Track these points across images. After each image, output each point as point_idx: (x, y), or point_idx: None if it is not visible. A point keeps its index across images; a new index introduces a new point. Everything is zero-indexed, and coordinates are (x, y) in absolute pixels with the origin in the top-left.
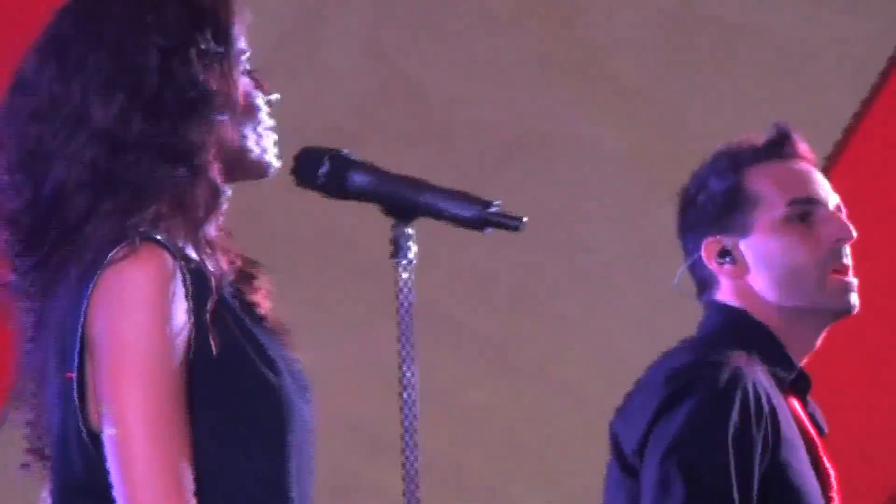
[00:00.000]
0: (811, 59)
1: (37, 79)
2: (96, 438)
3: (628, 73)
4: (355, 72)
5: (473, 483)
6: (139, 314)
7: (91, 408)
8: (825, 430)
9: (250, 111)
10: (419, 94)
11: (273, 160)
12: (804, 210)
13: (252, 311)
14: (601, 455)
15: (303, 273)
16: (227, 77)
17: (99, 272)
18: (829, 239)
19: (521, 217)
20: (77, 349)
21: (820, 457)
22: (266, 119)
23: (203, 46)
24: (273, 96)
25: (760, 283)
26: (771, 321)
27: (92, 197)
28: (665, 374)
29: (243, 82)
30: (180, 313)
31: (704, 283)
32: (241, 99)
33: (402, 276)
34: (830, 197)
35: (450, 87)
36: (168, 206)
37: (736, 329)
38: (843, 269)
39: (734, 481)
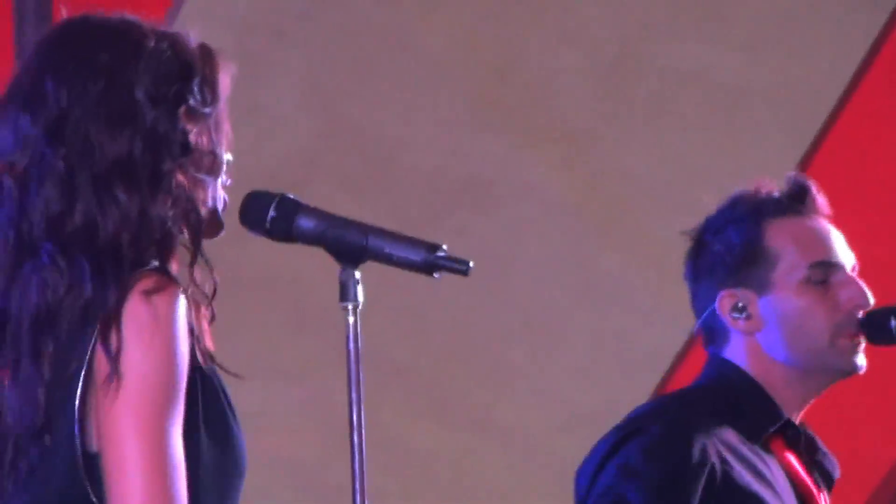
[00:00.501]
0: (753, 105)
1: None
2: (89, 459)
3: (571, 118)
4: (298, 118)
5: None
6: (160, 343)
7: (87, 429)
8: (836, 475)
9: (218, 170)
10: (362, 139)
11: (219, 227)
12: (825, 274)
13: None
14: (537, 497)
15: (250, 316)
16: (209, 136)
17: (120, 299)
18: (847, 304)
19: (469, 261)
20: (83, 371)
21: None
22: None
23: (191, 102)
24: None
25: (771, 340)
26: (772, 378)
27: (94, 218)
28: (624, 420)
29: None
30: (188, 348)
31: (714, 334)
32: (217, 158)
33: (350, 319)
34: (848, 259)
35: (393, 131)
36: (163, 246)
37: (724, 385)
38: (857, 333)
39: None
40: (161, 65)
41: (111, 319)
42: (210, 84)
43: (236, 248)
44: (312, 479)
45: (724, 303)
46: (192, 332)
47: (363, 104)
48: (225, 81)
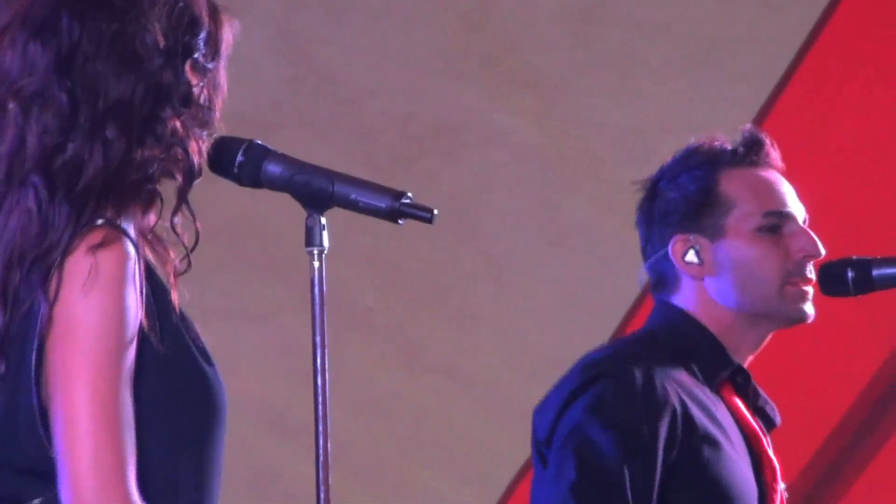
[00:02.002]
0: (718, 54)
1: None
2: (45, 418)
3: (540, 67)
4: (268, 63)
5: (382, 468)
6: (101, 297)
7: (43, 387)
8: (777, 421)
9: (212, 125)
10: (332, 86)
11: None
12: (777, 222)
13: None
14: (504, 443)
15: (218, 260)
16: (209, 91)
17: (65, 255)
18: (798, 253)
19: (433, 209)
20: (37, 330)
21: (763, 450)
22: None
23: (197, 56)
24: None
25: (722, 286)
26: (720, 324)
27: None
28: (580, 364)
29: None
30: (134, 301)
31: (664, 279)
32: (213, 113)
33: (315, 264)
34: (799, 211)
35: (363, 78)
36: (130, 194)
37: (675, 331)
38: (805, 282)
39: (626, 472)
40: (173, 14)
41: (53, 270)
42: (214, 40)
43: (204, 192)
44: (277, 418)
45: (676, 247)
46: (143, 285)
47: (333, 50)
48: (228, 39)
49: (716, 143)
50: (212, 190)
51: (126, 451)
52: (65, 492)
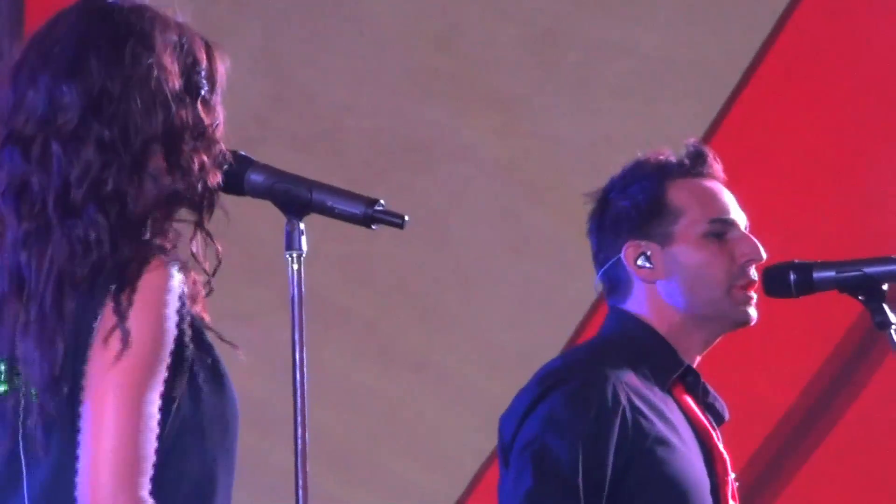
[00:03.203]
0: (670, 75)
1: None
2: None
3: (505, 86)
4: (252, 82)
5: (356, 458)
6: (157, 317)
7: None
8: (726, 417)
9: (221, 157)
10: (311, 103)
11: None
12: (722, 229)
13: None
14: (470, 434)
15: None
16: (212, 115)
17: (138, 270)
18: (742, 257)
19: (404, 215)
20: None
21: (714, 445)
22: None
23: (203, 93)
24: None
25: (672, 288)
26: (671, 326)
27: (100, 202)
28: (538, 375)
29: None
30: (174, 320)
31: (617, 285)
32: (220, 145)
33: (294, 267)
34: (741, 218)
35: (340, 97)
36: (164, 224)
37: (627, 335)
38: (749, 285)
39: (580, 476)
40: (182, 55)
41: (126, 287)
42: (211, 76)
43: None
44: (258, 413)
45: (629, 252)
46: (184, 303)
47: (312, 71)
48: (221, 73)
49: (661, 156)
50: None
51: (145, 452)
52: (81, 482)
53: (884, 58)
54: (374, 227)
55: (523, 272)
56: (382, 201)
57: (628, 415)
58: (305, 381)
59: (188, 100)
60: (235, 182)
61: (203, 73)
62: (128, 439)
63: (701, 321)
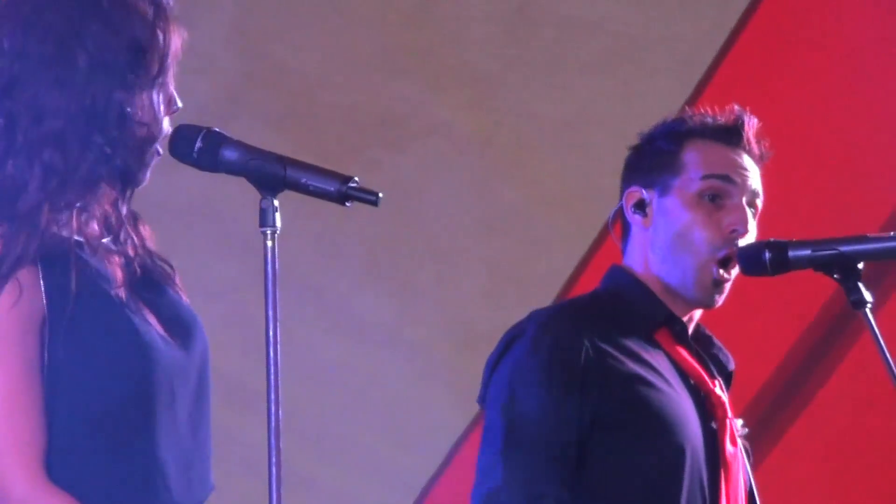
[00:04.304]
0: (643, 52)
1: None
2: None
3: (478, 63)
4: (225, 57)
5: (329, 432)
6: None
7: None
8: (730, 367)
9: (152, 139)
10: (284, 79)
11: (143, 178)
12: (715, 187)
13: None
14: (441, 408)
15: (178, 240)
16: (149, 105)
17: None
18: (728, 227)
19: (378, 193)
20: None
21: (709, 391)
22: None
23: (133, 73)
24: (177, 106)
25: (655, 242)
26: (653, 281)
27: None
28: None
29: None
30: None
31: (623, 233)
32: (152, 128)
33: (269, 243)
34: (750, 186)
35: (314, 72)
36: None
37: (613, 288)
38: (727, 261)
39: (549, 423)
40: (109, 33)
41: None
42: (159, 52)
43: (166, 176)
44: (232, 387)
45: (629, 197)
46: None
47: (285, 47)
48: (175, 49)
49: (698, 116)
50: (172, 174)
51: (28, 432)
52: None
53: (857, 35)
54: (347, 203)
55: (495, 248)
56: (356, 178)
57: (591, 354)
58: (279, 357)
59: (108, 82)
60: (210, 159)
61: (141, 51)
62: (11, 435)
63: (669, 291)
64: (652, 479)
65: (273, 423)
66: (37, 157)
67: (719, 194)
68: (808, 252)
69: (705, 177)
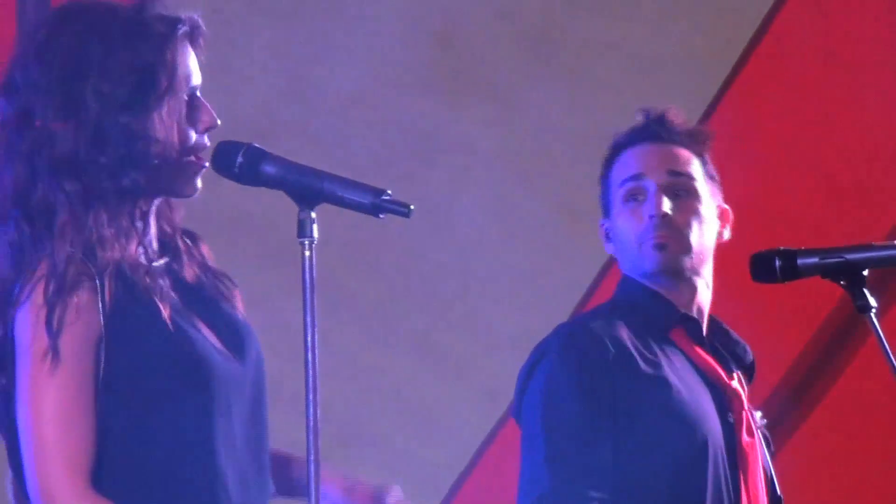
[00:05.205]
0: (659, 71)
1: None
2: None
3: (502, 81)
4: (264, 76)
5: (365, 433)
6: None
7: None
8: (748, 360)
9: (169, 153)
10: (320, 97)
11: (189, 189)
12: (632, 187)
13: (183, 283)
14: (471, 411)
15: (220, 250)
16: (160, 123)
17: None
18: (646, 215)
19: (410, 205)
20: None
21: (725, 385)
22: (191, 149)
23: (139, 94)
24: (208, 123)
25: (621, 259)
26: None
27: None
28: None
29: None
30: (81, 319)
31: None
32: (164, 143)
33: (307, 253)
34: (664, 167)
35: (347, 90)
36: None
37: (624, 295)
38: (656, 237)
39: (586, 429)
40: (113, 59)
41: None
42: (167, 70)
43: (208, 190)
44: (272, 390)
45: (601, 232)
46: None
47: (321, 67)
48: (184, 69)
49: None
50: (214, 188)
51: (80, 449)
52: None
53: (868, 53)
54: (381, 216)
55: (519, 257)
56: (389, 191)
57: (616, 359)
58: (317, 361)
59: (114, 105)
60: (250, 173)
61: (150, 72)
62: (58, 443)
63: (662, 288)
64: (678, 474)
65: (311, 423)
66: (57, 181)
67: (634, 193)
68: (816, 260)
69: (622, 183)
